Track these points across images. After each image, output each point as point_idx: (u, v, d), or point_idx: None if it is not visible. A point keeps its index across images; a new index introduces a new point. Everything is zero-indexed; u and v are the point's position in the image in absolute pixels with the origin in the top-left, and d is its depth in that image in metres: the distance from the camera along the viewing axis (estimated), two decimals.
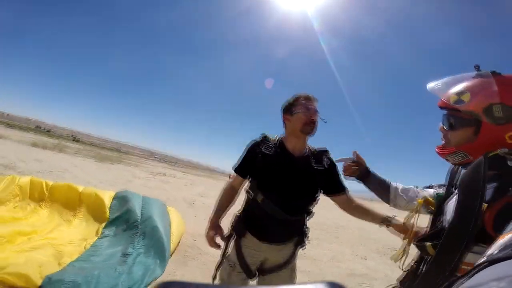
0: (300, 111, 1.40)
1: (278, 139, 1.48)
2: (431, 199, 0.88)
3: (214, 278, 1.48)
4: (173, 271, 2.67)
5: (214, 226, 1.43)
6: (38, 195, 3.32)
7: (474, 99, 0.70)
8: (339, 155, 1.50)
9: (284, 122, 1.48)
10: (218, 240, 1.43)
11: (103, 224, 3.00)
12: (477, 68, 0.74)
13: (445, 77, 0.80)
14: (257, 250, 1.41)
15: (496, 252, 0.34)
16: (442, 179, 0.92)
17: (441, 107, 0.81)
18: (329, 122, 1.54)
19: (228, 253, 1.47)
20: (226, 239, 1.47)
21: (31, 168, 7.28)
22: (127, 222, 3.00)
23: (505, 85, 0.68)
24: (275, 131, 1.62)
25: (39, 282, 1.84)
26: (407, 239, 0.92)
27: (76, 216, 3.16)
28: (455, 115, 0.76)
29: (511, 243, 0.33)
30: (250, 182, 1.48)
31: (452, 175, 0.85)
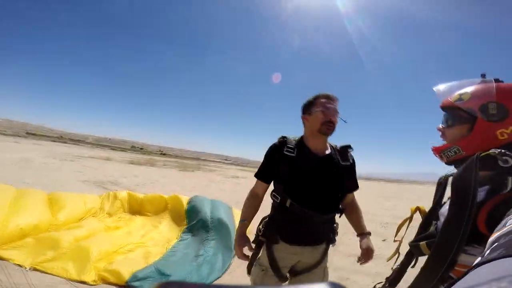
0: (318, 111, 1.35)
1: (299, 140, 1.43)
2: (422, 207, 0.92)
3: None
4: (233, 270, 2.87)
5: (242, 238, 1.41)
6: (134, 206, 4.06)
7: (473, 98, 0.75)
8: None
9: (303, 122, 1.45)
10: (247, 251, 1.42)
11: (182, 228, 3.50)
12: (483, 76, 0.79)
13: (451, 79, 0.87)
14: (290, 254, 1.38)
15: (487, 252, 0.33)
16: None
17: (442, 108, 0.85)
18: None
19: (259, 257, 1.44)
20: (257, 246, 1.43)
21: (130, 182, 8.83)
22: (200, 227, 3.45)
23: (503, 88, 0.73)
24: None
25: (127, 277, 2.28)
26: (399, 242, 0.95)
27: (162, 222, 3.74)
28: (453, 113, 0.81)
29: (502, 242, 0.33)
30: (275, 186, 1.43)
31: (442, 185, 0.89)
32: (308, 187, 1.34)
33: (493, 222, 0.54)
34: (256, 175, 1.49)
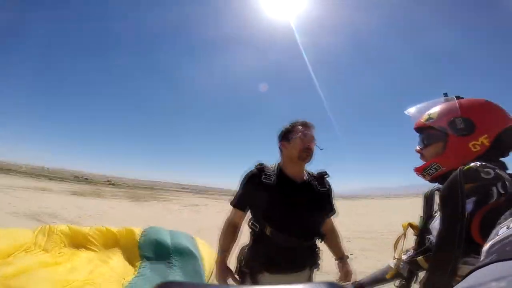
0: (297, 137, 1.39)
1: (276, 166, 1.45)
2: (414, 223, 0.94)
3: None
4: None
5: (224, 271, 1.39)
6: (77, 241, 3.45)
7: (440, 116, 0.81)
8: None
9: (280, 149, 1.47)
10: (230, 281, 1.40)
11: (138, 264, 3.02)
12: (445, 94, 0.87)
13: (421, 102, 0.94)
14: (275, 283, 1.30)
15: (482, 259, 0.36)
16: None
17: (416, 129, 0.91)
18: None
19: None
20: (241, 277, 1.40)
21: (72, 214, 7.73)
22: (160, 257, 3.02)
23: (464, 104, 0.79)
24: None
25: None
26: (397, 259, 0.97)
27: (112, 257, 3.21)
28: (427, 133, 0.87)
29: (494, 248, 0.35)
30: (252, 214, 1.42)
31: (428, 199, 0.93)
32: (288, 213, 1.34)
33: (486, 230, 0.56)
34: (233, 204, 1.46)
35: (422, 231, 0.87)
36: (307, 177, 1.45)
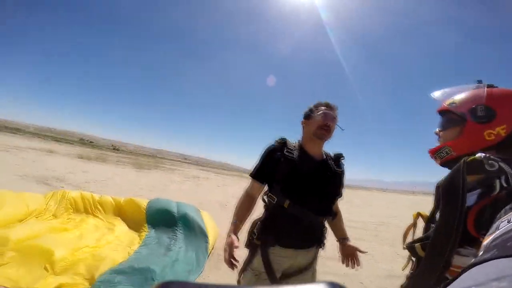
0: (317, 115, 1.42)
1: (298, 143, 1.48)
2: (423, 212, 0.94)
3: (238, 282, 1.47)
4: (206, 276, 2.72)
5: (232, 241, 1.31)
6: (86, 208, 3.61)
7: (464, 102, 0.81)
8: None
9: (302, 127, 1.51)
10: (237, 254, 1.34)
11: (143, 234, 3.20)
12: (479, 81, 0.84)
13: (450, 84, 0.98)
14: (284, 257, 1.37)
15: (481, 253, 0.34)
16: None
17: (438, 112, 0.91)
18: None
19: (252, 261, 1.40)
20: (251, 249, 1.41)
21: (79, 179, 7.95)
22: (166, 225, 3.24)
23: (493, 93, 0.77)
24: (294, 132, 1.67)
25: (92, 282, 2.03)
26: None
27: (118, 226, 3.38)
28: (447, 117, 0.87)
29: (494, 243, 0.34)
30: (270, 187, 1.43)
31: (438, 189, 0.93)
32: (306, 189, 1.37)
33: (481, 224, 0.58)
34: (252, 175, 1.46)
35: (429, 220, 0.88)
36: (325, 157, 1.49)
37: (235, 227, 1.38)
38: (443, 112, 0.89)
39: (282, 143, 1.44)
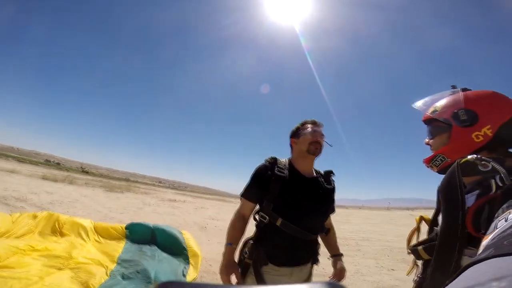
0: (306, 132, 1.46)
1: (288, 162, 1.49)
2: (426, 216, 0.95)
3: None
4: None
5: (231, 264, 1.36)
6: (54, 228, 3.28)
7: (445, 108, 0.83)
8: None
9: (291, 146, 1.54)
10: (234, 279, 1.37)
11: (122, 245, 3.01)
12: (453, 87, 0.89)
13: (430, 93, 0.96)
14: (279, 275, 1.35)
15: (479, 252, 0.35)
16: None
17: (424, 122, 0.93)
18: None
19: (245, 282, 1.38)
20: (243, 270, 1.38)
21: (42, 200, 7.30)
22: (143, 237, 3.12)
23: (469, 95, 0.81)
24: (282, 152, 1.73)
25: None
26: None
27: (91, 245, 3.11)
28: (433, 125, 0.89)
29: (492, 242, 0.35)
30: (261, 206, 1.42)
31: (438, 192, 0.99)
32: (298, 206, 1.37)
33: (478, 223, 0.58)
34: (243, 195, 1.46)
35: (432, 223, 0.88)
36: (315, 174, 1.51)
37: (231, 250, 1.37)
38: (428, 121, 0.91)
39: (273, 162, 1.45)
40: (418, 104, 0.96)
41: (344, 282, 1.44)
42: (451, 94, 0.86)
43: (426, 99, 0.95)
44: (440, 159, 0.83)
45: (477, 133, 0.75)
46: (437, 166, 0.86)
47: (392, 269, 4.56)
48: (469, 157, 0.63)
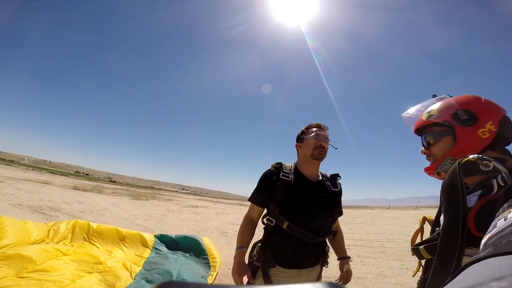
0: (310, 137, 1.47)
1: (293, 166, 1.52)
2: (429, 216, 0.94)
3: None
4: None
5: (242, 267, 1.40)
6: (85, 236, 3.49)
7: (442, 111, 0.82)
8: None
9: (297, 150, 1.55)
10: (245, 279, 1.41)
11: (146, 255, 3.18)
12: (434, 96, 0.89)
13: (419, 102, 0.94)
14: (287, 277, 1.37)
15: (479, 251, 0.35)
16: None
17: (416, 131, 0.91)
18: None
19: (254, 284, 1.41)
20: (252, 271, 1.41)
21: (74, 209, 7.75)
22: (168, 244, 3.43)
23: (459, 99, 0.81)
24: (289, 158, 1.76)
25: None
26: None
27: (120, 251, 3.32)
28: (432, 131, 0.85)
29: (491, 241, 0.35)
30: (268, 210, 1.46)
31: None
32: (304, 210, 1.39)
33: (480, 223, 0.58)
34: (251, 200, 1.50)
35: (434, 224, 0.88)
36: (321, 177, 1.52)
37: (241, 254, 1.42)
38: (423, 129, 0.88)
39: (278, 167, 1.48)
40: (411, 111, 0.93)
41: (348, 284, 1.45)
42: (438, 101, 0.86)
43: (414, 107, 0.93)
44: (450, 162, 0.80)
45: (482, 129, 0.74)
46: (445, 171, 0.82)
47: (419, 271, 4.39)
48: (470, 156, 0.62)
